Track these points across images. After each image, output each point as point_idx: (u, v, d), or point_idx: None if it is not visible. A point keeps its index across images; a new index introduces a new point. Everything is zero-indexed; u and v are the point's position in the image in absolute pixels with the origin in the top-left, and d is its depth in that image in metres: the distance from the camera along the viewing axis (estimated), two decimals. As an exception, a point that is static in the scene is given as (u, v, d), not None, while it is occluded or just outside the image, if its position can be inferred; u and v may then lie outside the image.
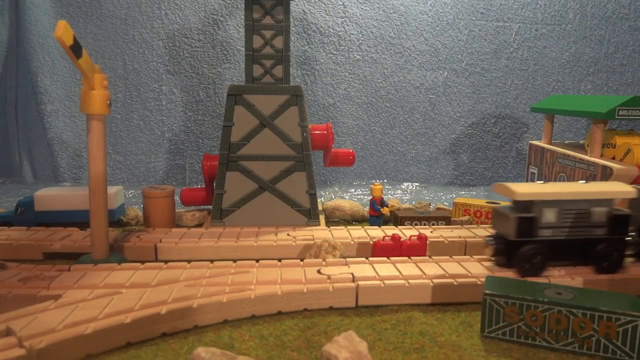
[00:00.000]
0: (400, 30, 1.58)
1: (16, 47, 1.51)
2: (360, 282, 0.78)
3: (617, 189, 0.84)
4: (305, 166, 1.10)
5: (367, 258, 0.88)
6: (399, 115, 1.61)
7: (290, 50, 1.12)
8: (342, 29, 1.55)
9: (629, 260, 0.89)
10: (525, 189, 0.81)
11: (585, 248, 0.84)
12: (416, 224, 1.13)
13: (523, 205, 0.82)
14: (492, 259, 0.87)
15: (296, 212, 1.11)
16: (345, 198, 1.47)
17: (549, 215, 0.82)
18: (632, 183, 1.04)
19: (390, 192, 1.55)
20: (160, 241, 0.97)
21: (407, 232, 1.02)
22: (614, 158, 1.14)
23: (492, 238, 0.85)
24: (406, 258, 0.88)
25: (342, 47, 1.56)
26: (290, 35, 1.13)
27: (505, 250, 0.83)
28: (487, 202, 1.20)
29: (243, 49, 1.25)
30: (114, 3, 1.49)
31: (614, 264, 0.84)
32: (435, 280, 0.79)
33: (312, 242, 0.98)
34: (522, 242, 0.81)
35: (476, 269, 0.84)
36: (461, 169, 1.66)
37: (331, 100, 1.57)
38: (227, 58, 1.53)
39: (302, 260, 0.88)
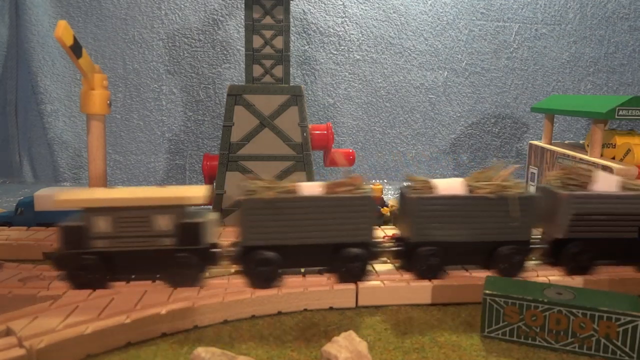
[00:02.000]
0: (400, 30, 1.58)
1: (16, 47, 1.51)
2: (360, 282, 0.78)
3: (185, 194, 0.76)
4: (305, 166, 1.10)
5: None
6: (399, 115, 1.61)
7: (290, 50, 1.12)
8: (342, 29, 1.55)
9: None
10: (66, 196, 0.74)
11: (157, 259, 0.75)
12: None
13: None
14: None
15: (296, 212, 1.11)
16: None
17: (101, 224, 0.73)
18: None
19: (390, 192, 1.55)
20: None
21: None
22: (614, 158, 1.14)
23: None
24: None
25: (342, 47, 1.56)
26: (290, 35, 1.13)
27: (62, 261, 0.74)
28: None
29: (243, 49, 1.25)
30: (114, 3, 1.49)
31: (189, 277, 0.76)
32: (435, 281, 0.79)
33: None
34: (72, 254, 0.74)
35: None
36: (461, 169, 1.66)
37: (331, 100, 1.57)
38: (227, 58, 1.53)
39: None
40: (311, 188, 0.79)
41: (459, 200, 0.79)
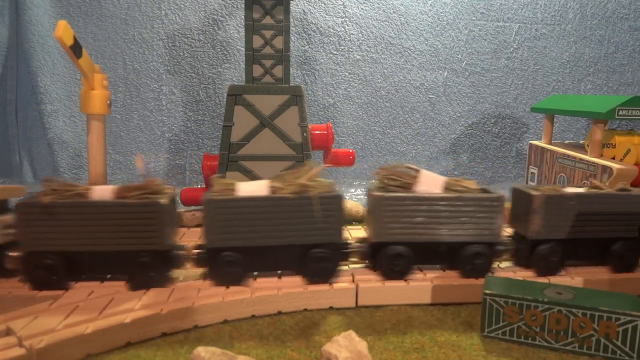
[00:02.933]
0: (400, 30, 1.58)
1: (16, 47, 1.51)
2: (360, 282, 0.78)
3: None
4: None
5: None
6: (399, 115, 1.61)
7: (290, 50, 1.12)
8: (342, 29, 1.55)
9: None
10: None
11: None
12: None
13: None
14: None
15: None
16: (345, 198, 1.47)
17: None
18: (632, 183, 1.04)
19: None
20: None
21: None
22: (614, 158, 1.14)
23: None
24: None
25: (342, 47, 1.56)
26: (290, 35, 1.13)
27: None
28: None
29: (243, 49, 1.25)
30: (114, 3, 1.49)
31: None
32: (435, 281, 0.79)
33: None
34: None
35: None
36: (461, 169, 1.66)
37: (331, 100, 1.57)
38: (227, 58, 1.53)
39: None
40: (102, 192, 0.76)
41: (257, 201, 0.75)
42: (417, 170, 0.82)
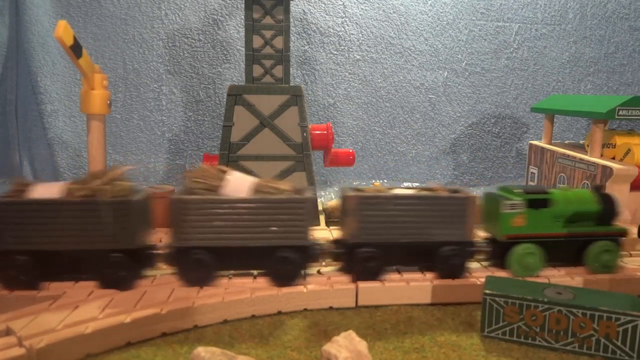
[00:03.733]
0: (400, 30, 1.58)
1: (16, 47, 1.51)
2: (360, 282, 0.78)
3: None
4: (305, 166, 1.10)
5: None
6: (399, 115, 1.61)
7: (290, 50, 1.12)
8: (342, 29, 1.55)
9: None
10: None
11: None
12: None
13: None
14: None
15: (296, 212, 1.11)
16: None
17: None
18: (632, 183, 1.04)
19: (390, 192, 1.54)
20: (160, 241, 0.97)
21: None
22: (614, 158, 1.14)
23: None
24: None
25: (342, 47, 1.56)
26: (290, 35, 1.13)
27: None
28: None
29: (243, 49, 1.25)
30: (114, 3, 1.49)
31: None
32: (435, 281, 0.79)
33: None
34: None
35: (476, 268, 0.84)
36: (461, 169, 1.66)
37: (331, 100, 1.57)
38: (227, 58, 1.53)
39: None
40: None
41: (42, 205, 0.72)
42: (226, 172, 0.79)
